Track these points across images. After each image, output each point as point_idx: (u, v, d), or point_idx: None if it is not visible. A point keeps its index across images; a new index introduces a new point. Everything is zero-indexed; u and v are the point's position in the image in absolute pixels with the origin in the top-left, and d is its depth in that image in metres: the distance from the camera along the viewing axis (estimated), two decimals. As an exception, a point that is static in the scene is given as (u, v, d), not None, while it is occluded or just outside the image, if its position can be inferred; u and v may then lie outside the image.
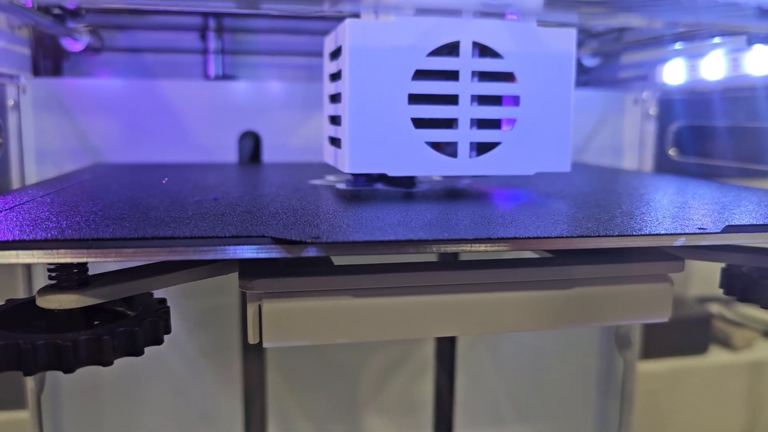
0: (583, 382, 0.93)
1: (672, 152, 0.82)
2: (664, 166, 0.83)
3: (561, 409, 0.93)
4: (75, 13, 0.72)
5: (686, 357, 1.16)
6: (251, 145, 0.77)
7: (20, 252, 0.30)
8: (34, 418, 0.72)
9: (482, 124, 0.49)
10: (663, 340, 1.13)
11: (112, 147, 0.73)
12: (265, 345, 0.37)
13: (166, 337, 0.38)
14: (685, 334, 1.17)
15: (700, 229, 0.36)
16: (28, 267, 0.68)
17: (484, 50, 0.48)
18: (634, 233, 0.35)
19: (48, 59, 0.73)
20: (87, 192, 0.48)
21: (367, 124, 0.46)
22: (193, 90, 0.75)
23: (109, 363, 0.33)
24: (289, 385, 0.83)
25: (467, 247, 0.34)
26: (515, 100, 0.48)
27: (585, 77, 0.88)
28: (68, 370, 0.32)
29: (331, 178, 0.59)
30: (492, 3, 0.44)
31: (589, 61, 0.83)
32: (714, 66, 0.68)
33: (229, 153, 0.76)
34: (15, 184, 0.68)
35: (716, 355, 1.19)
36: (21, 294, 0.68)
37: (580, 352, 0.92)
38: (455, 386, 0.80)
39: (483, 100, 0.49)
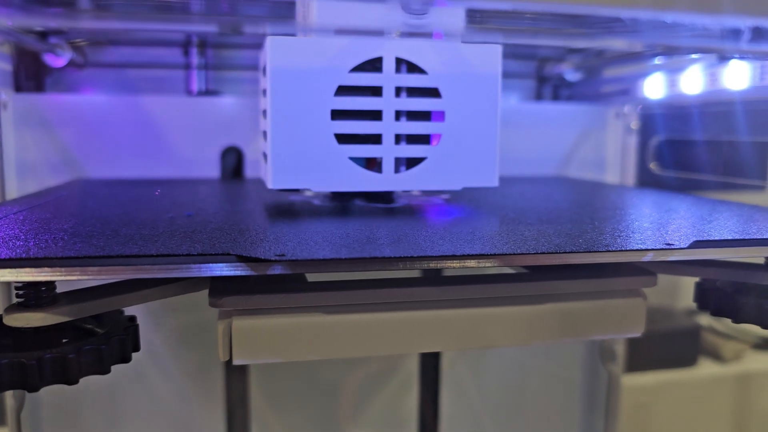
0: (568, 397, 0.93)
1: (653, 166, 0.82)
2: (645, 180, 0.83)
3: (546, 424, 0.93)
4: (57, 30, 0.72)
5: (675, 369, 1.16)
6: (234, 161, 0.77)
7: (-18, 271, 0.30)
8: (14, 435, 0.71)
9: (410, 139, 0.49)
10: (652, 353, 1.13)
11: (94, 162, 0.73)
12: (235, 362, 0.37)
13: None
14: (674, 346, 1.17)
15: (668, 244, 0.37)
16: (7, 284, 0.68)
17: (409, 66, 0.48)
18: (601, 249, 0.36)
19: (30, 75, 0.73)
20: (61, 208, 0.48)
21: (290, 140, 0.47)
22: (175, 105, 0.75)
23: (74, 381, 0.33)
24: (272, 402, 0.83)
25: (433, 264, 0.34)
26: (441, 116, 0.49)
27: (567, 91, 0.88)
28: (33, 389, 0.32)
29: (309, 193, 0.59)
30: (413, 23, 0.44)
31: (571, 76, 0.84)
32: (692, 81, 0.68)
33: (211, 168, 0.76)
34: (-5, 199, 0.68)
35: (705, 368, 1.19)
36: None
37: (565, 366, 0.91)
38: (440, 402, 0.80)
39: (411, 115, 0.49)
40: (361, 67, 0.47)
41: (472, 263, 0.34)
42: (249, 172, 0.77)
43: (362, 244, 0.36)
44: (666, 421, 1.14)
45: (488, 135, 0.50)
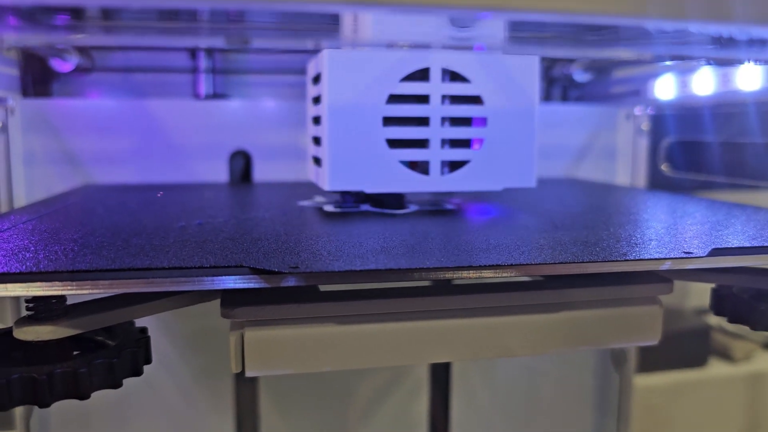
0: (580, 401, 0.92)
1: (664, 167, 0.81)
2: (657, 181, 0.82)
3: (558, 427, 0.92)
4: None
5: (685, 370, 1.15)
6: (242, 165, 0.76)
7: (-7, 286, 0.29)
8: (23, 441, 0.71)
9: (455, 143, 0.52)
10: (661, 354, 1.12)
11: (102, 168, 0.73)
12: (247, 374, 0.37)
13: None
14: (684, 346, 1.16)
15: (686, 253, 0.36)
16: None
17: (453, 76, 0.51)
18: (619, 258, 0.35)
19: (37, 80, 0.73)
20: (71, 217, 0.48)
21: (345, 145, 0.49)
22: (183, 109, 0.74)
23: (86, 396, 0.33)
24: (281, 408, 0.83)
25: (449, 275, 0.33)
26: (483, 121, 0.52)
27: (577, 92, 0.88)
28: (43, 404, 0.32)
29: (319, 199, 0.59)
30: (458, 36, 0.46)
31: (581, 77, 0.83)
32: (704, 82, 0.68)
33: (219, 173, 0.75)
34: (3, 207, 0.67)
35: (716, 368, 1.18)
36: (10, 323, 0.67)
37: (576, 370, 0.91)
38: (450, 406, 0.79)
39: (455, 121, 0.52)
40: (410, 77, 0.50)
41: (488, 273, 0.34)
42: (257, 176, 0.76)
43: (376, 255, 0.35)
44: (678, 421, 1.13)
45: (527, 139, 0.53)
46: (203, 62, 0.77)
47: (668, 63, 0.72)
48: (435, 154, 0.51)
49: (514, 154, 0.52)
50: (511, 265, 0.34)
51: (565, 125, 0.83)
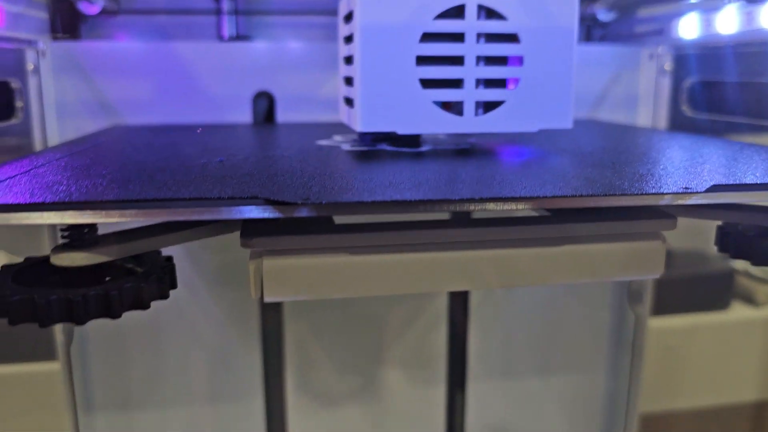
0: (596, 335, 0.94)
1: (686, 108, 0.81)
2: (678, 122, 0.82)
3: (573, 361, 0.95)
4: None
5: (707, 312, 1.16)
6: (265, 105, 0.78)
7: (31, 214, 0.32)
8: (64, 367, 0.76)
9: (489, 83, 0.51)
10: (684, 296, 1.13)
11: (130, 108, 0.75)
12: (265, 299, 0.39)
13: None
14: (707, 289, 1.16)
15: (685, 188, 0.37)
16: (53, 226, 0.71)
17: (490, 13, 0.50)
18: (618, 193, 0.36)
19: (65, 23, 0.75)
20: (100, 155, 0.50)
21: (378, 86, 0.49)
22: (207, 51, 0.76)
23: (117, 316, 0.36)
24: (306, 337, 0.86)
25: (452, 207, 0.35)
26: (519, 60, 0.51)
27: (601, 32, 0.87)
28: (79, 322, 0.35)
29: (338, 138, 0.60)
30: None
31: (605, 16, 0.82)
32: (728, 20, 0.67)
33: (243, 113, 0.77)
34: (37, 146, 0.70)
35: (737, 311, 1.19)
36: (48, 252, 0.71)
37: (593, 307, 0.93)
38: (468, 339, 0.82)
39: (490, 60, 0.51)
40: (444, 14, 0.49)
41: (491, 206, 0.35)
42: (280, 116, 0.78)
43: (384, 188, 0.37)
44: (694, 363, 1.14)
45: (564, 78, 0.52)
46: (226, 4, 0.78)
47: (693, 0, 0.71)
48: (469, 95, 0.51)
49: (550, 94, 0.51)
50: (512, 198, 0.35)
51: (588, 66, 0.83)
